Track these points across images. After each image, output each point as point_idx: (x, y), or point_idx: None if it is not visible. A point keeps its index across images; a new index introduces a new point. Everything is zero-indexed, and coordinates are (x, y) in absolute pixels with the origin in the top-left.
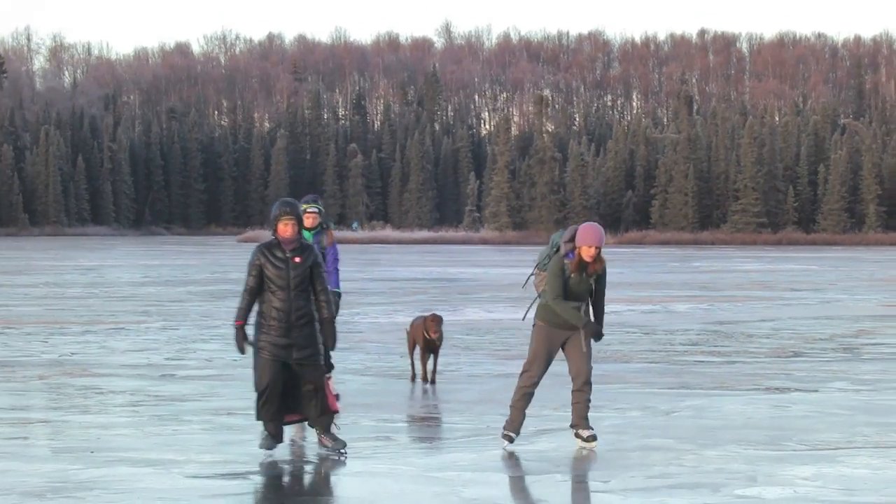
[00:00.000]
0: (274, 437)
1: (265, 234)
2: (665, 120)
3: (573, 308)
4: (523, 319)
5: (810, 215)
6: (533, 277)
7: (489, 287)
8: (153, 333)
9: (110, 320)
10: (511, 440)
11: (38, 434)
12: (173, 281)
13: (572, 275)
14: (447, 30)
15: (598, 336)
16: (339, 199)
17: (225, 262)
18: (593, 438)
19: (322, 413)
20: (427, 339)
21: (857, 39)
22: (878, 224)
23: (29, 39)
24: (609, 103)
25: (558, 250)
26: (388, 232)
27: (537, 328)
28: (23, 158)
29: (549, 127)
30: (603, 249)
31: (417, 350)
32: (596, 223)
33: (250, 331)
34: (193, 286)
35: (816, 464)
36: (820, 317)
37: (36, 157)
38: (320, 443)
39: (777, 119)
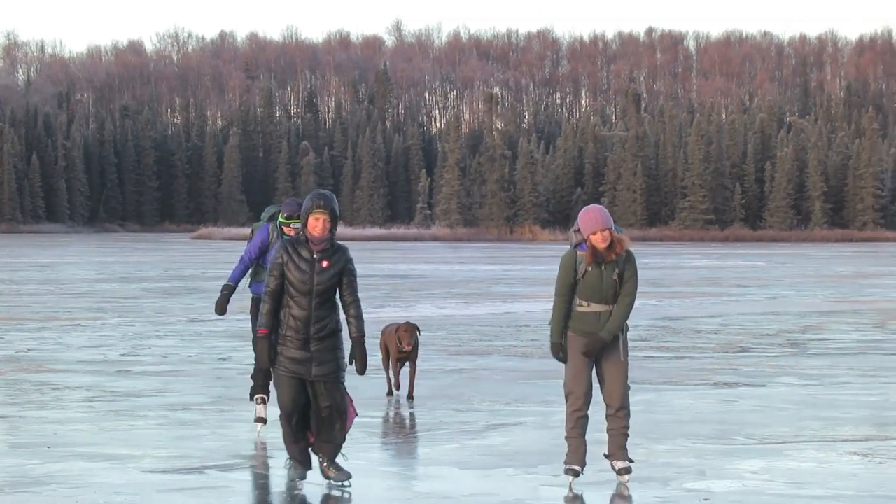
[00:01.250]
0: (302, 464)
1: (219, 231)
2: (613, 118)
3: (591, 313)
4: None
5: (757, 212)
6: None
7: (440, 283)
8: (108, 330)
9: (66, 317)
10: (577, 474)
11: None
12: (128, 278)
13: (589, 269)
14: (398, 28)
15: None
16: (290, 197)
17: (178, 259)
18: (626, 471)
19: (342, 441)
20: (399, 348)
21: (803, 38)
22: (823, 221)
23: None
24: (558, 101)
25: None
26: (341, 229)
27: (569, 340)
28: None
29: (499, 124)
30: (621, 233)
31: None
32: (596, 204)
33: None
34: (148, 283)
35: (764, 457)
36: (767, 312)
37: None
38: (324, 473)
39: (724, 117)
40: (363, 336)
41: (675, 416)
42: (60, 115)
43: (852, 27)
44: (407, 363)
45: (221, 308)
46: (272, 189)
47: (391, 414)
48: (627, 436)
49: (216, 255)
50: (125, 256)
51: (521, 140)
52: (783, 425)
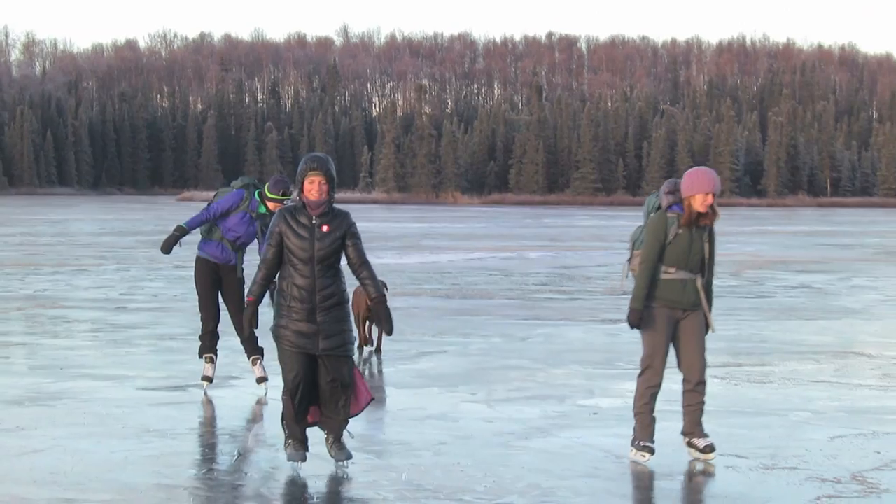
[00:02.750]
0: (302, 444)
1: (199, 194)
2: (520, 105)
3: (677, 280)
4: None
5: (636, 182)
6: (627, 264)
7: (379, 238)
8: (109, 274)
9: (74, 263)
10: (652, 452)
11: (17, 354)
12: (124, 232)
13: (680, 231)
14: (345, 30)
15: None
16: (257, 167)
17: (166, 216)
18: (711, 449)
19: (346, 416)
20: (369, 307)
21: (674, 41)
22: None
23: (7, 36)
24: (475, 91)
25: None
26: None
27: (648, 311)
28: (3, 132)
29: (427, 110)
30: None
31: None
32: (705, 167)
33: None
34: (141, 236)
35: None
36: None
37: (13, 131)
38: (328, 450)
39: (609, 105)
40: (383, 295)
41: (569, 346)
42: (70, 99)
43: (714, 32)
44: (370, 322)
45: (168, 247)
46: (242, 160)
47: None
48: (703, 410)
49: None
50: (122, 214)
51: (445, 122)
52: None
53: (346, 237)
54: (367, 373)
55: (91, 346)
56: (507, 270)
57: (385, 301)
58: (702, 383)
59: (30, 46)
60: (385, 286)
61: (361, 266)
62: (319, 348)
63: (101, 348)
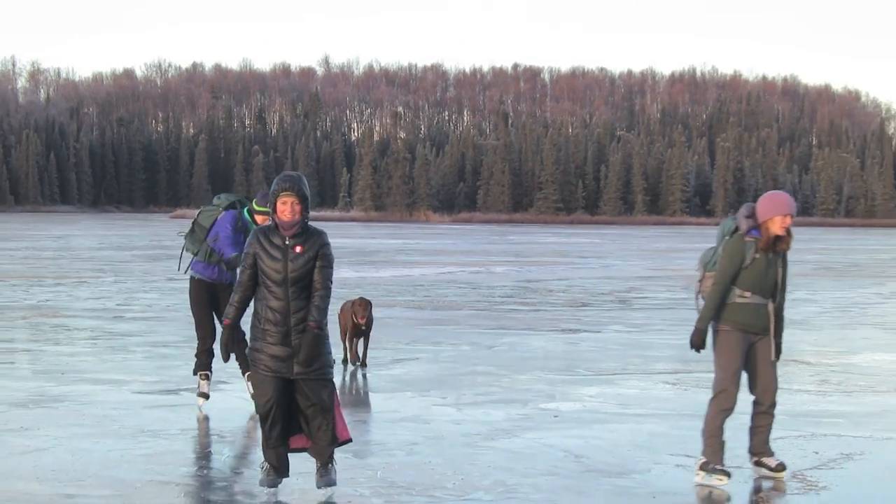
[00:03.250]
0: (277, 471)
1: (191, 212)
2: (487, 131)
3: (751, 304)
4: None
5: (594, 202)
6: (698, 285)
7: (357, 253)
8: (107, 285)
9: (75, 275)
10: (729, 476)
11: (22, 360)
12: (122, 246)
13: (757, 256)
14: (326, 61)
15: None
16: (245, 187)
17: (160, 232)
18: (782, 468)
19: (330, 441)
20: (356, 324)
21: (630, 72)
22: (644, 209)
23: (14, 65)
24: (446, 118)
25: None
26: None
27: (723, 335)
28: (10, 154)
29: (402, 135)
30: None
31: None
32: (782, 191)
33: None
34: (137, 250)
35: (599, 385)
36: (601, 277)
37: (19, 153)
38: (317, 475)
39: (570, 131)
40: (319, 326)
41: (532, 354)
42: (71, 124)
43: (667, 64)
44: (362, 338)
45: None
46: (231, 181)
47: None
48: (771, 431)
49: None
50: (120, 231)
51: (418, 146)
52: (613, 361)
53: (317, 258)
54: (347, 377)
55: (90, 353)
56: (475, 283)
57: (317, 331)
58: (774, 405)
59: (35, 75)
60: (367, 305)
61: (319, 291)
62: (294, 372)
63: (100, 354)
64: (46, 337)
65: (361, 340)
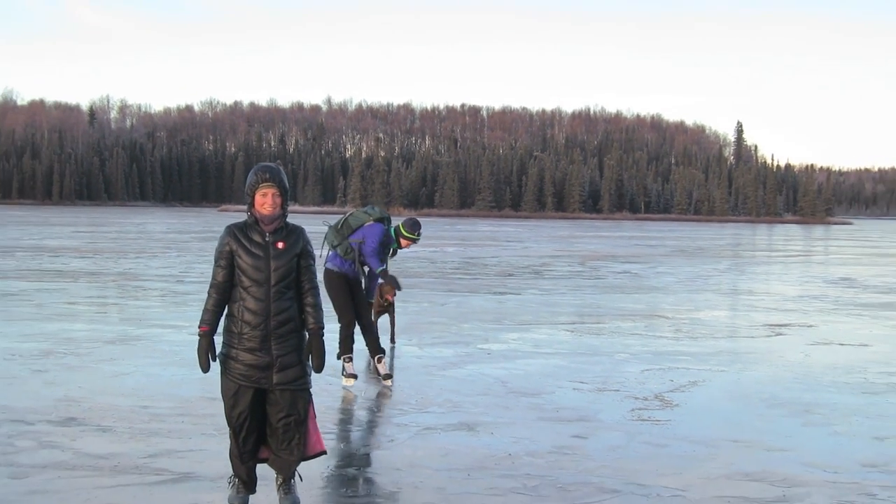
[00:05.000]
0: (247, 486)
1: (233, 207)
2: (442, 151)
3: None
4: None
5: (518, 202)
6: None
7: None
8: (172, 258)
9: (149, 251)
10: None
11: (111, 311)
12: (182, 231)
13: None
14: (329, 100)
15: None
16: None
17: (210, 220)
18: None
19: (301, 457)
20: (381, 302)
21: (543, 110)
22: (552, 207)
23: (108, 102)
24: (413, 141)
25: None
26: (295, 207)
27: None
28: (104, 165)
29: (381, 153)
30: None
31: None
32: None
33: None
34: (193, 234)
35: (520, 332)
36: (521, 255)
37: (111, 164)
38: (277, 490)
39: (500, 152)
40: (322, 327)
41: (472, 310)
42: (148, 143)
43: (569, 104)
44: (387, 314)
45: (397, 283)
46: None
47: None
48: None
49: (233, 218)
50: (181, 219)
51: (393, 162)
52: (529, 315)
53: (300, 256)
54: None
55: (159, 306)
56: (432, 259)
57: (322, 334)
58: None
59: (123, 108)
60: (398, 285)
61: (310, 291)
62: (273, 382)
63: (166, 307)
64: (129, 294)
65: (387, 318)
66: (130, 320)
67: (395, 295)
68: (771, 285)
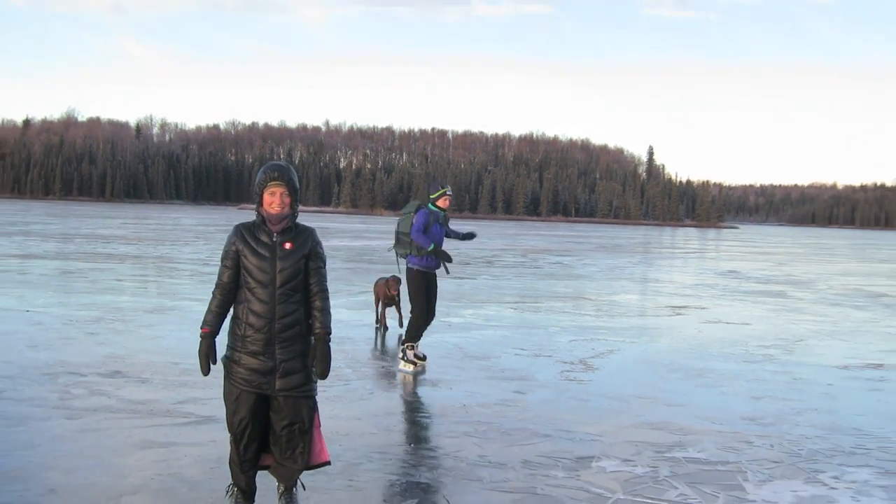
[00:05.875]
0: (245, 497)
1: (249, 206)
2: (416, 165)
3: None
4: None
5: (475, 207)
6: None
7: (339, 231)
8: (200, 246)
9: (182, 239)
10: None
11: (150, 287)
12: (209, 224)
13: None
14: (327, 123)
15: None
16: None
17: (231, 216)
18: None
19: (304, 466)
20: (388, 295)
21: (496, 133)
22: (502, 212)
23: (151, 120)
24: (393, 157)
25: None
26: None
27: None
28: (148, 171)
29: (368, 165)
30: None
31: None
32: None
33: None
34: (218, 226)
35: (474, 308)
36: (477, 248)
37: (152, 170)
38: (278, 500)
39: (462, 167)
40: (329, 333)
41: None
42: (183, 154)
43: (517, 129)
44: (392, 306)
45: (447, 256)
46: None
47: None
48: None
49: (250, 214)
50: (208, 215)
51: (378, 172)
52: (482, 295)
53: (309, 257)
54: (377, 337)
55: (189, 284)
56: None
57: (328, 339)
58: None
59: (163, 125)
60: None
61: (318, 294)
62: (276, 388)
63: (195, 285)
64: (165, 273)
65: (393, 309)
66: (166, 294)
67: (397, 290)
68: (673, 275)
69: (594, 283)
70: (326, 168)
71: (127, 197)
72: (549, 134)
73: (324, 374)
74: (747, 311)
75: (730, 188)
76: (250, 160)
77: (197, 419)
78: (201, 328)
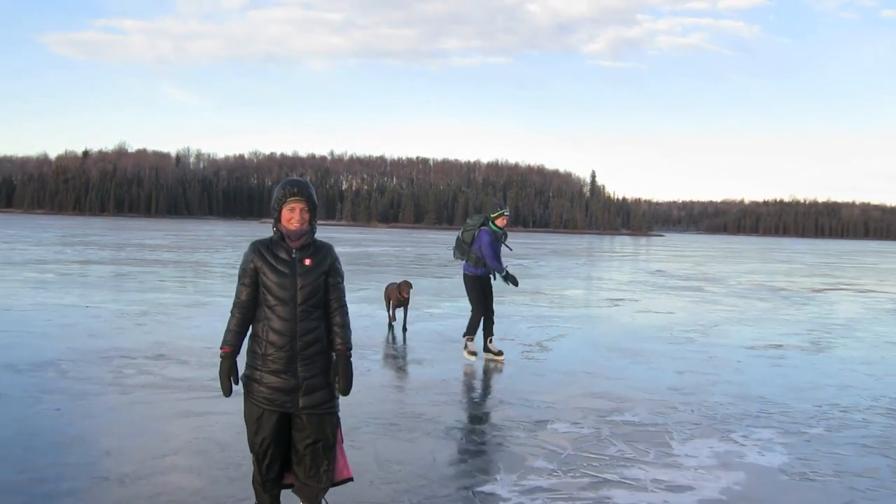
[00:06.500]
0: None
1: (269, 220)
2: (403, 186)
3: None
4: None
5: (452, 220)
6: None
7: (341, 241)
8: (230, 252)
9: (214, 247)
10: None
11: (188, 286)
12: (236, 235)
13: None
14: (332, 152)
15: None
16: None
17: (254, 228)
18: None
19: (328, 484)
20: (400, 297)
21: (468, 161)
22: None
23: (188, 151)
24: (385, 180)
25: None
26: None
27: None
28: (186, 192)
29: (365, 186)
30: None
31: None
32: None
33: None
34: (243, 236)
35: (451, 302)
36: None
37: (189, 192)
38: None
39: (441, 188)
40: (350, 349)
41: (421, 287)
42: (215, 178)
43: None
44: (401, 308)
45: (515, 281)
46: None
47: None
48: None
49: (269, 227)
50: (235, 227)
51: (372, 192)
52: (458, 291)
53: (329, 273)
54: (390, 334)
55: (221, 283)
56: (396, 255)
57: (350, 355)
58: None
59: (198, 156)
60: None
61: (338, 310)
62: (299, 406)
63: (225, 284)
64: (200, 275)
65: (400, 309)
66: (201, 292)
67: (408, 293)
68: (612, 274)
69: (548, 281)
70: (331, 189)
71: (168, 213)
72: (512, 161)
73: (346, 391)
74: (672, 303)
75: (657, 203)
76: (269, 183)
77: None
78: (221, 348)
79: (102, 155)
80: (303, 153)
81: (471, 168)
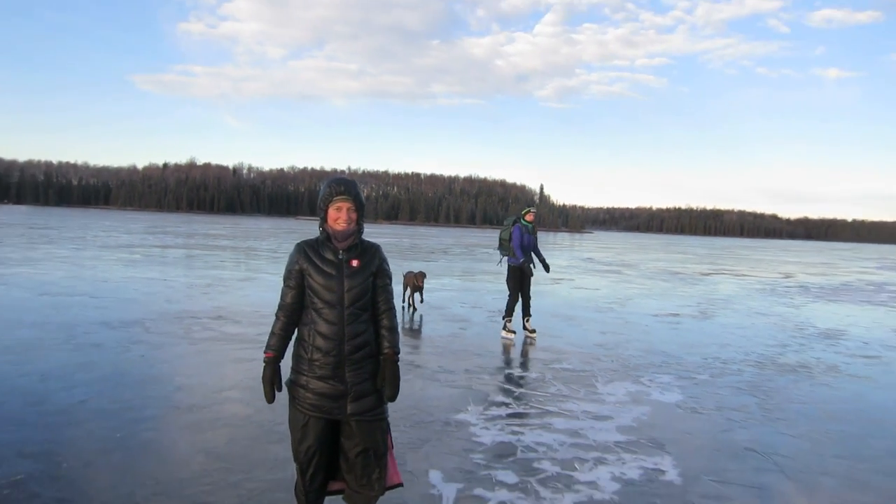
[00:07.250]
0: None
1: (303, 217)
2: (402, 193)
3: None
4: None
5: (437, 218)
6: None
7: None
8: (272, 240)
9: (262, 237)
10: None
11: (239, 266)
12: (279, 228)
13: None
14: (348, 167)
15: None
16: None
17: (291, 223)
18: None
19: (380, 491)
20: (416, 285)
21: (450, 175)
22: (453, 222)
23: (242, 164)
24: (388, 188)
25: None
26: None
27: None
28: (240, 195)
29: (373, 193)
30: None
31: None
32: None
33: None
34: (284, 228)
35: (436, 280)
36: (437, 243)
37: (244, 195)
38: None
39: (432, 196)
40: (398, 353)
41: (413, 269)
42: (260, 186)
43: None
44: (417, 293)
45: (530, 271)
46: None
47: None
48: None
49: (301, 222)
50: (276, 222)
51: (378, 199)
52: (440, 271)
53: (376, 275)
54: (406, 315)
55: (266, 265)
56: (396, 244)
57: (397, 360)
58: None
59: (249, 168)
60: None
61: (385, 312)
62: (347, 413)
63: (270, 264)
64: (251, 257)
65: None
66: (251, 270)
67: (423, 282)
68: (554, 260)
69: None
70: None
71: (227, 211)
72: (482, 175)
73: (393, 397)
74: (598, 282)
75: (589, 208)
76: (302, 189)
77: None
78: (265, 352)
79: (177, 167)
80: (327, 167)
81: (452, 181)
